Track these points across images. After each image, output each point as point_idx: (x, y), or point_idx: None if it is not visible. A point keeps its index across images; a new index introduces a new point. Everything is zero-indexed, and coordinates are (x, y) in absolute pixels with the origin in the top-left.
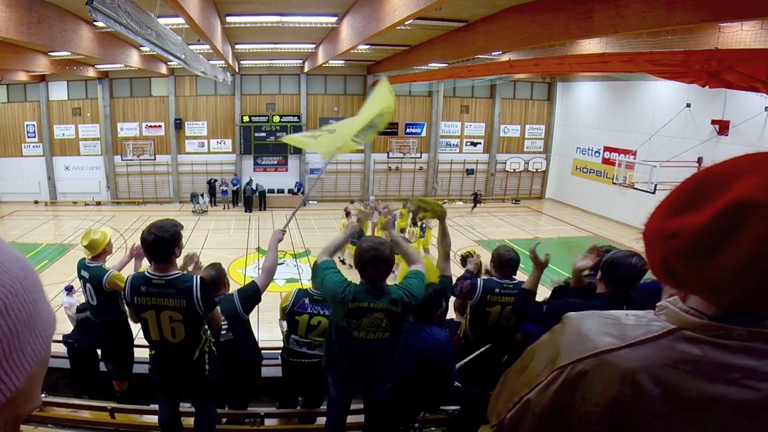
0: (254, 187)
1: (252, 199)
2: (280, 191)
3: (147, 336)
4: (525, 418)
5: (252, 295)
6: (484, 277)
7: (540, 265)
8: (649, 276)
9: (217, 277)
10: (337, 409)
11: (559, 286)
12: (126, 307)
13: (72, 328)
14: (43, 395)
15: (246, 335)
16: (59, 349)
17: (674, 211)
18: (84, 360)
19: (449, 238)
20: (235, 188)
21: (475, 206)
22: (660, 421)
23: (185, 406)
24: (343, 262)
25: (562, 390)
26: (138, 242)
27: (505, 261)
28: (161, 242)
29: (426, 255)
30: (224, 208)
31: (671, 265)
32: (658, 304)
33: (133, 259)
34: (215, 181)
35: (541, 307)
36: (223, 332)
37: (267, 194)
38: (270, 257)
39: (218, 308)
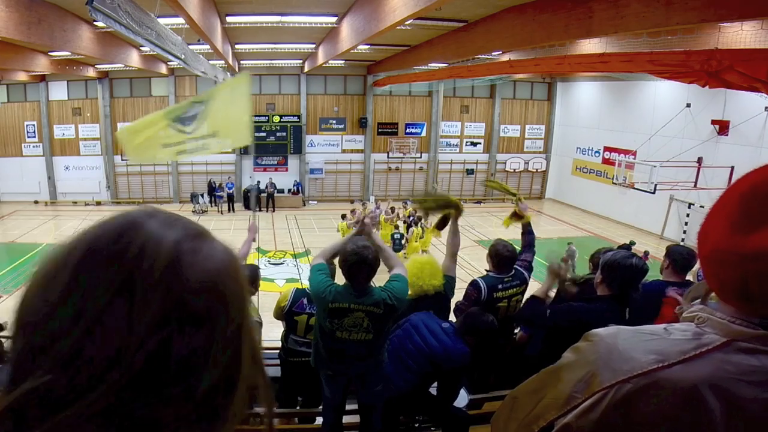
0: (254, 187)
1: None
2: (280, 191)
3: None
4: None
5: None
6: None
7: (556, 277)
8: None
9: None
10: (332, 408)
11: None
12: None
13: None
14: None
15: None
16: None
17: (745, 228)
18: None
19: (459, 238)
20: (229, 192)
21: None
22: None
23: None
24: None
25: (609, 412)
26: None
27: (504, 258)
28: None
29: (424, 256)
30: (219, 211)
31: (750, 287)
32: (688, 314)
33: None
34: (215, 184)
35: (544, 311)
36: None
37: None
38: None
39: None
